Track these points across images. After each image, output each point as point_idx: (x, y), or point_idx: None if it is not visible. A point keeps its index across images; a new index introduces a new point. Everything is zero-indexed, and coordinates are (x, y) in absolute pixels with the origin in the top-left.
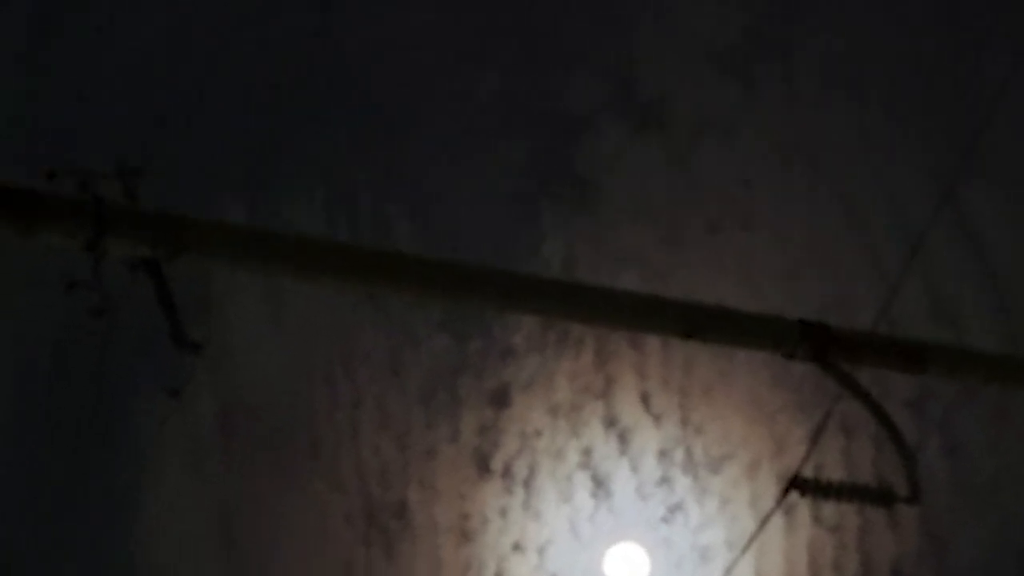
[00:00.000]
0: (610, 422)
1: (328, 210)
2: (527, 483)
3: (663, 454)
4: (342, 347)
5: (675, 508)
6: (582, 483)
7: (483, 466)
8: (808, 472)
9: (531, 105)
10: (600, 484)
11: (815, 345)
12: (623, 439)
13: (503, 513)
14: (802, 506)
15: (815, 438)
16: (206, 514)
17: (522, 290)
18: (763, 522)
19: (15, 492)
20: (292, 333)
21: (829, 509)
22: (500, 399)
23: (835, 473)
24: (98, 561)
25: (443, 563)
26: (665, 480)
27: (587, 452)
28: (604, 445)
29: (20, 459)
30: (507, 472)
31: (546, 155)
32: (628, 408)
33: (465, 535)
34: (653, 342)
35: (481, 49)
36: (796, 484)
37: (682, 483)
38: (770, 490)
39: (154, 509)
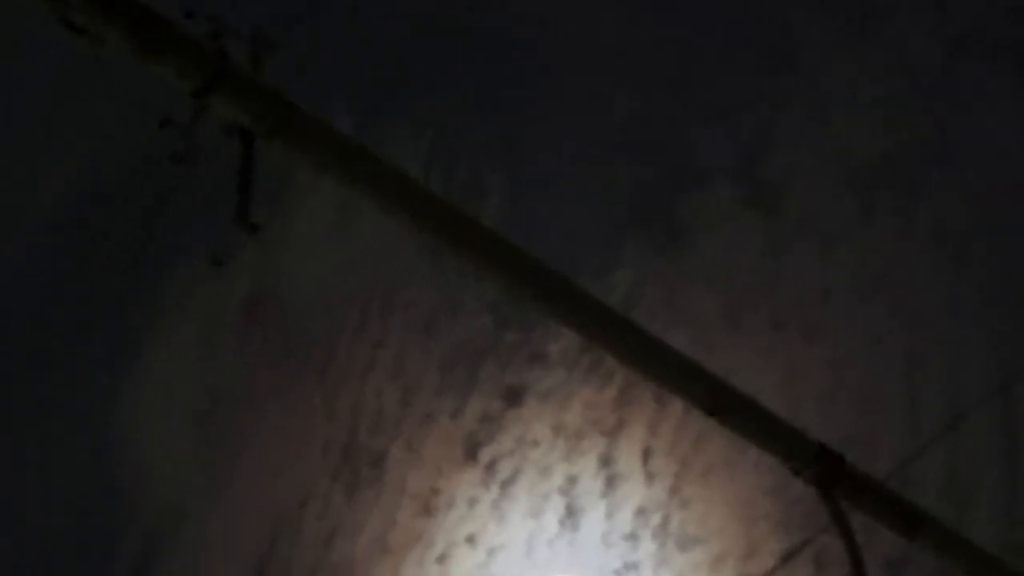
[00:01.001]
0: (605, 462)
1: (429, 157)
2: (505, 485)
3: (641, 512)
4: (389, 286)
5: (631, 566)
6: (555, 507)
7: (471, 452)
8: None
9: (658, 138)
10: (571, 515)
11: (824, 472)
12: (610, 482)
13: (471, 503)
14: None
15: (787, 557)
16: (198, 387)
17: (575, 303)
18: None
19: (35, 303)
20: (349, 253)
21: None
22: (513, 397)
23: None
24: (84, 395)
25: (396, 525)
26: (633, 537)
27: (572, 480)
28: (591, 481)
29: (52, 270)
30: (491, 467)
31: (653, 190)
32: (627, 456)
33: (427, 508)
34: (677, 405)
35: (634, 68)
36: None
37: (647, 546)
38: None
39: (152, 364)
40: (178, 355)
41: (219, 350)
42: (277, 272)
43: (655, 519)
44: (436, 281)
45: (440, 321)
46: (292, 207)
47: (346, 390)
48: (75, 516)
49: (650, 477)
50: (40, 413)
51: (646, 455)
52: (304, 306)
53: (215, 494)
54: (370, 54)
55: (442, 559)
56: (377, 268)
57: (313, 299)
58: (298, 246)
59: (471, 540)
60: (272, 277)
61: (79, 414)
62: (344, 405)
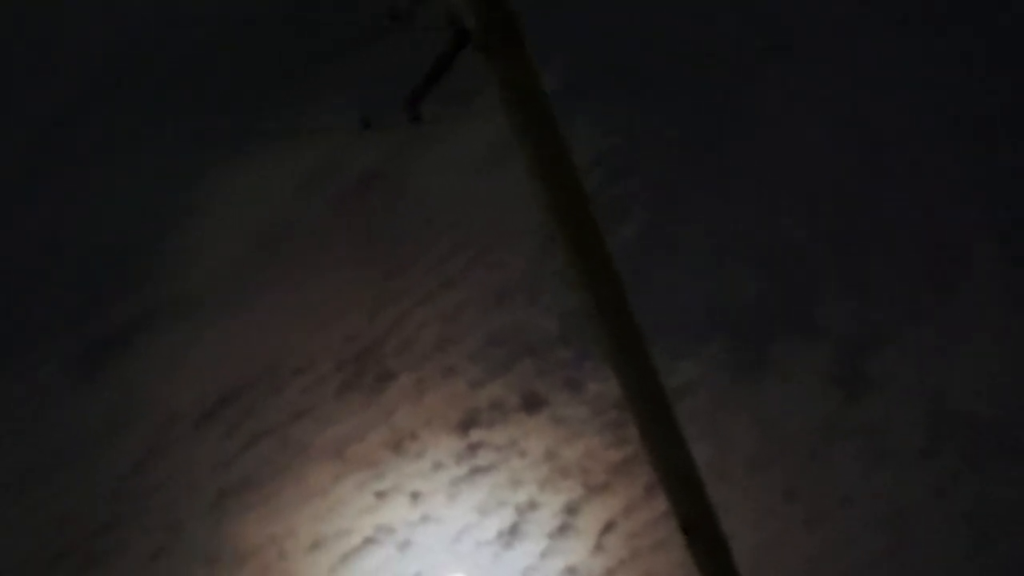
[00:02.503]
0: (570, 510)
1: (601, 156)
2: (474, 472)
3: (571, 571)
4: (491, 241)
5: None
6: (504, 518)
7: (465, 425)
8: None
9: (797, 276)
10: (512, 533)
11: None
12: (563, 529)
13: (436, 467)
14: None
15: None
16: (275, 214)
17: (635, 363)
18: None
19: (197, 74)
20: (475, 191)
21: None
22: (531, 404)
23: None
24: (180, 158)
25: (362, 442)
26: None
27: (532, 506)
28: (548, 516)
29: (225, 55)
30: (473, 448)
31: (762, 315)
32: (591, 517)
33: (396, 446)
34: (661, 504)
35: (817, 200)
36: None
37: None
38: None
39: (251, 170)
40: (277, 178)
41: (314, 196)
42: (406, 168)
43: None
44: (534, 263)
45: (514, 299)
46: (455, 122)
47: (397, 303)
48: (103, 251)
49: (598, 547)
50: (154, 154)
51: (608, 527)
52: (409, 212)
53: (229, 312)
54: (609, 32)
55: (381, 495)
56: (491, 219)
57: (420, 212)
58: (437, 159)
59: (415, 496)
60: (399, 169)
61: (164, 172)
62: (388, 314)
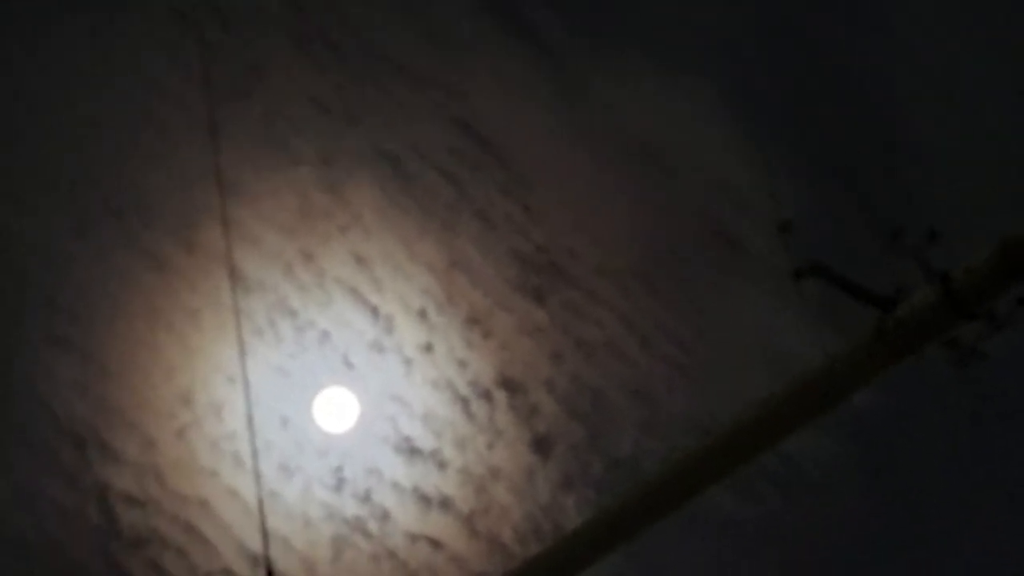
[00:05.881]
0: (444, 504)
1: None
2: (459, 400)
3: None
4: (706, 372)
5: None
6: (423, 441)
7: (493, 380)
8: None
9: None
10: (410, 451)
11: None
12: (424, 501)
13: (437, 357)
14: None
15: None
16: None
17: (611, 537)
18: None
19: None
20: (753, 348)
21: None
22: (540, 445)
23: None
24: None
25: (448, 278)
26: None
27: (441, 465)
28: (440, 478)
29: None
30: (474, 392)
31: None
32: (445, 525)
33: (472, 322)
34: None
35: None
36: None
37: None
38: None
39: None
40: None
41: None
42: (756, 271)
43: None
44: (695, 414)
45: (649, 411)
46: (820, 312)
47: (614, 293)
48: None
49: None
50: None
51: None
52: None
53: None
54: None
55: (388, 318)
56: (723, 363)
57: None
58: (774, 303)
59: (427, 350)
60: (756, 268)
61: None
62: (602, 287)
